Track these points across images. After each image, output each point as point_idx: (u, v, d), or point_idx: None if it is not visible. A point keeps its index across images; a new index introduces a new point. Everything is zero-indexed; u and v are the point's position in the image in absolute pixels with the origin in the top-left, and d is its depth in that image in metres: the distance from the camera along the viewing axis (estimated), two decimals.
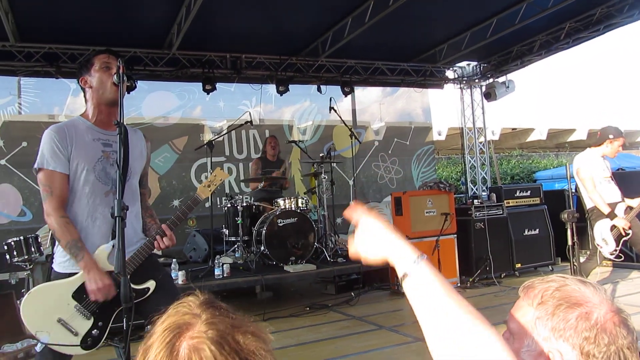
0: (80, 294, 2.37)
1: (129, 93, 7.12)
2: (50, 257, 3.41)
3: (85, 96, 2.58)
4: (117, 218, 2.14)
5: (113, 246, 2.39)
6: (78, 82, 2.57)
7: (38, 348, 2.43)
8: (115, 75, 2.36)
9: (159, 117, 8.01)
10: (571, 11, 7.28)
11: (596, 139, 5.53)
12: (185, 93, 8.06)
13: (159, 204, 7.84)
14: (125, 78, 2.33)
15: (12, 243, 5.24)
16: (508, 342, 1.17)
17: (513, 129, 20.68)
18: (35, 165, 2.43)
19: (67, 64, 6.84)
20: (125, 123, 2.30)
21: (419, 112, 10.14)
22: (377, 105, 9.96)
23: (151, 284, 2.50)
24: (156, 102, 7.93)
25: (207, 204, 7.62)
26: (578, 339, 1.03)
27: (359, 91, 9.71)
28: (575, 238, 3.69)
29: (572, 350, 1.04)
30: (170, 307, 0.99)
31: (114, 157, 2.49)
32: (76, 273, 2.40)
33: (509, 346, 1.15)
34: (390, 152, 9.71)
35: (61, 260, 2.47)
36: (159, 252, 7.37)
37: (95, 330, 2.39)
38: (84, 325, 2.38)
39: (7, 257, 5.26)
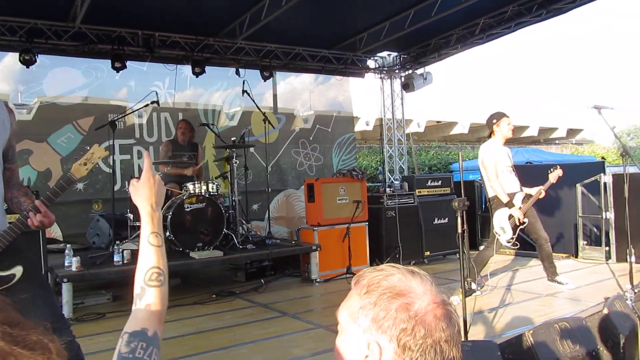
0: None
1: (27, 67, 6.67)
2: None
3: None
4: None
5: None
6: None
7: None
8: None
9: (62, 95, 7.46)
10: (485, 7, 7.51)
11: (486, 132, 5.76)
12: (92, 70, 7.57)
13: None
14: None
15: None
16: (338, 337, 1.11)
17: (438, 122, 21.29)
18: None
19: None
20: None
21: (343, 101, 10.12)
22: (307, 93, 9.84)
23: (17, 271, 2.26)
24: (60, 78, 7.39)
25: (117, 187, 7.30)
26: (396, 330, 0.99)
27: (291, 78, 9.58)
28: (465, 226, 3.76)
29: (390, 343, 1.00)
30: None
31: None
32: None
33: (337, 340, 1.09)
34: (311, 138, 9.63)
35: None
36: (60, 238, 6.99)
37: None
38: None
39: None
